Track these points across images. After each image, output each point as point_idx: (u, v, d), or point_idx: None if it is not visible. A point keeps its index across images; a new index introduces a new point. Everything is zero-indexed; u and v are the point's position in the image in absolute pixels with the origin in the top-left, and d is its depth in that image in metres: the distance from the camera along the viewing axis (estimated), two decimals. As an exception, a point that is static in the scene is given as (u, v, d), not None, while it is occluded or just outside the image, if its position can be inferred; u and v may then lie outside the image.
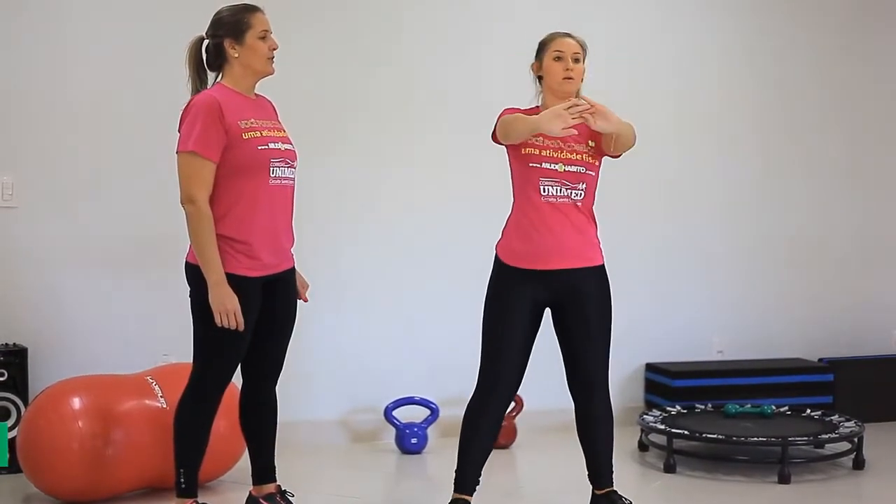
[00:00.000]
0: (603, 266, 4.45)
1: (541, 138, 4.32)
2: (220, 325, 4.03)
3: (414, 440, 5.81)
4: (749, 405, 5.97)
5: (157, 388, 4.86)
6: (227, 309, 4.02)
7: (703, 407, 6.02)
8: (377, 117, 6.05)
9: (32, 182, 5.53)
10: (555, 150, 4.33)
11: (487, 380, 4.41)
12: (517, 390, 4.51)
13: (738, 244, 6.72)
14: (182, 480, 4.22)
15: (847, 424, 5.64)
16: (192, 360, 4.21)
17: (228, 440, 4.81)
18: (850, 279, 6.92)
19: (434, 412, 5.90)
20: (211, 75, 4.25)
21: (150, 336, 5.62)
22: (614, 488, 4.54)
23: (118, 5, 5.65)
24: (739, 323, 6.73)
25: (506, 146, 4.40)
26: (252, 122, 4.13)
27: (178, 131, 4.11)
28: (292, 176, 4.25)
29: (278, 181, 4.17)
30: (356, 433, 6.04)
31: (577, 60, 4.37)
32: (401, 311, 6.09)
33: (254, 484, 4.48)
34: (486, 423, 4.43)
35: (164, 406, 4.76)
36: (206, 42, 4.23)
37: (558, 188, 4.33)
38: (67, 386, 4.82)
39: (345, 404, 6.04)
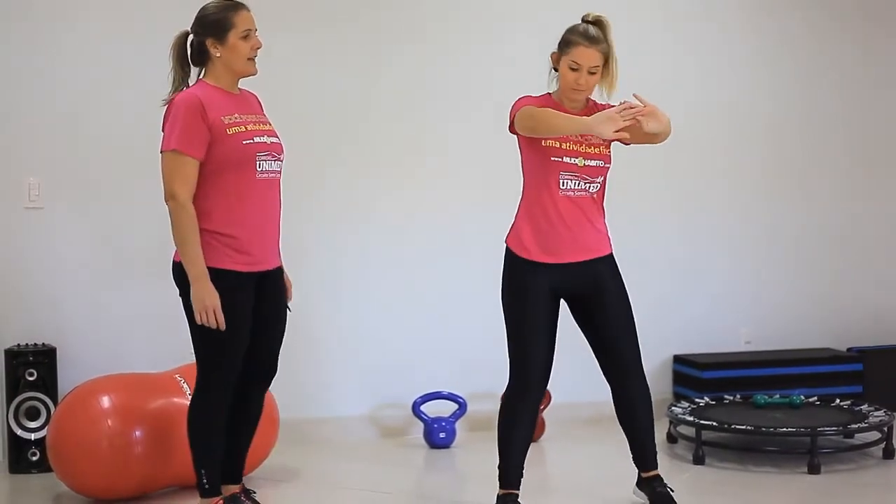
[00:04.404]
0: (612, 254, 4.46)
1: None
2: (199, 322, 4.04)
3: (442, 434, 5.81)
4: (778, 396, 5.94)
5: (185, 385, 4.87)
6: (206, 306, 4.03)
7: (731, 398, 5.99)
8: (405, 110, 6.04)
9: (59, 183, 5.56)
10: (576, 144, 4.29)
11: (519, 372, 4.41)
12: (548, 379, 4.49)
13: (764, 234, 6.67)
14: (205, 481, 4.25)
15: (877, 414, 5.60)
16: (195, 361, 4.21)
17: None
18: (878, 268, 6.86)
19: (462, 406, 5.89)
20: (194, 70, 4.25)
21: (177, 334, 5.59)
22: (658, 472, 4.56)
23: (142, 7, 5.67)
24: (767, 313, 6.69)
25: (520, 138, 4.33)
26: (236, 118, 4.14)
27: (162, 131, 4.13)
28: (279, 169, 4.25)
29: (265, 174, 4.18)
30: (384, 428, 6.05)
31: (592, 73, 4.29)
32: (427, 305, 6.09)
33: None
34: (524, 414, 4.43)
35: (193, 404, 4.77)
36: (190, 37, 4.23)
37: (577, 182, 4.30)
38: (96, 385, 4.85)
39: (373, 400, 6.04)
